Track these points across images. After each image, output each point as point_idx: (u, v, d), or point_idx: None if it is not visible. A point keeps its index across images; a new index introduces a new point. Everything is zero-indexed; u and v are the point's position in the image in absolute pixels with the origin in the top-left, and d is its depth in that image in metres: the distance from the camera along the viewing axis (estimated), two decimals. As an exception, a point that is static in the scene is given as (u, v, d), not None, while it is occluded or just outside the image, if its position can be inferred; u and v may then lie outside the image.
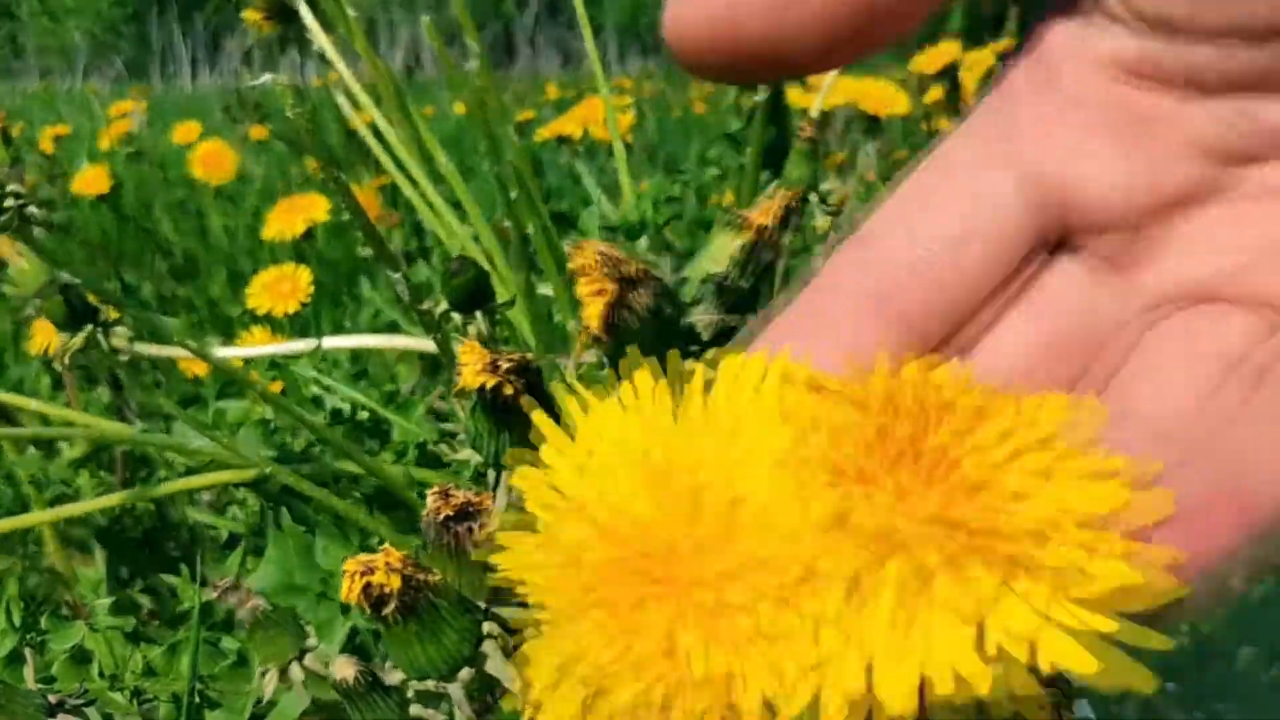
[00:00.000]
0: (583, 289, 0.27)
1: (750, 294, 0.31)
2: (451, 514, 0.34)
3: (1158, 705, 0.61)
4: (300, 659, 0.41)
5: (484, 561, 0.35)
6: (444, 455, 0.34)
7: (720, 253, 0.31)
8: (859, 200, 1.05)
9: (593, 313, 0.27)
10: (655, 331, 0.28)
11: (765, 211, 0.31)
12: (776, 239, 0.31)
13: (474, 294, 0.51)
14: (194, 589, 0.69)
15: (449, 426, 0.35)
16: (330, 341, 0.89)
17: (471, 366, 0.30)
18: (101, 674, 0.65)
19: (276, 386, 0.89)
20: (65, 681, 0.64)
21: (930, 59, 1.17)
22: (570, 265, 0.28)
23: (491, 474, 0.33)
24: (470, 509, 0.34)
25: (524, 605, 0.35)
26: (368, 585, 0.31)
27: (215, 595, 0.40)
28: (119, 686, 0.64)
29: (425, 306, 0.51)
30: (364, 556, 0.31)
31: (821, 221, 1.06)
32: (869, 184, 1.06)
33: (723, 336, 0.31)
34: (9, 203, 0.51)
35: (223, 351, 0.88)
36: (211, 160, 1.63)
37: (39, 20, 21.10)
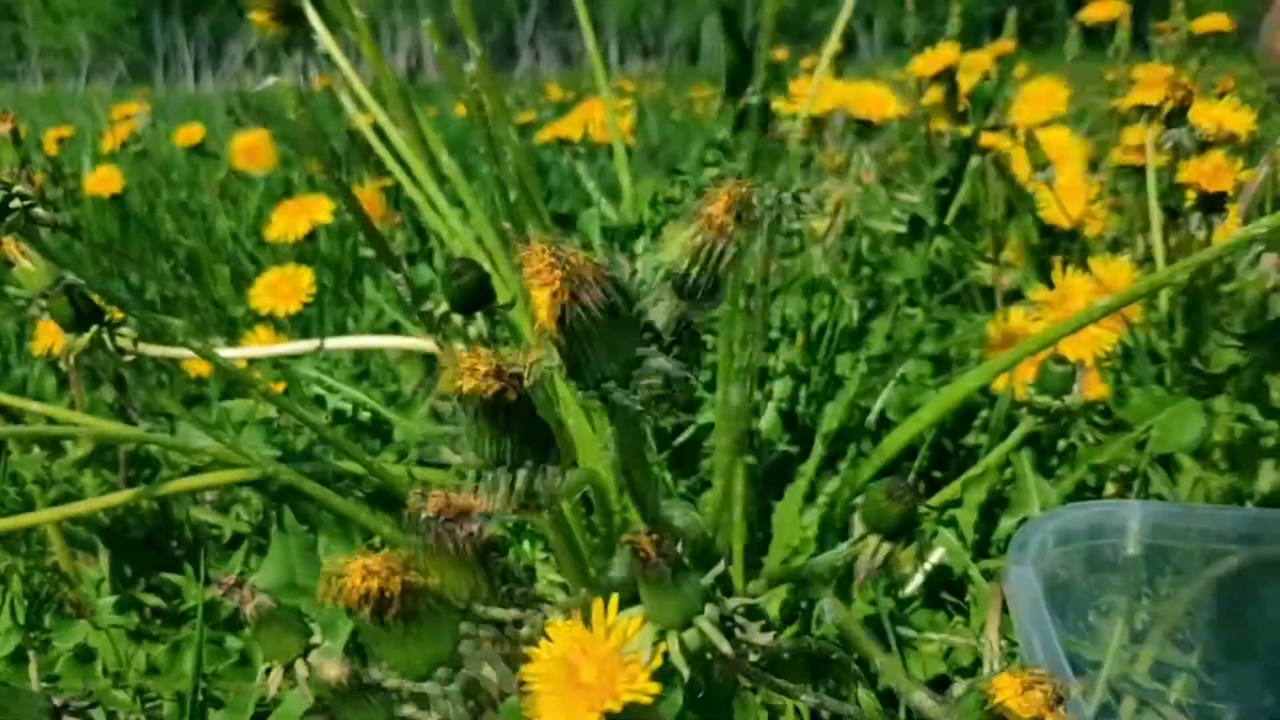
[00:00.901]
0: (532, 286, 0.27)
1: (710, 287, 0.31)
2: (445, 516, 0.34)
3: (1157, 706, 0.61)
4: (305, 656, 0.41)
5: (474, 561, 0.35)
6: (448, 460, 0.34)
7: (672, 244, 0.31)
8: (857, 201, 1.06)
9: (542, 310, 0.27)
10: (609, 327, 0.28)
11: (713, 201, 0.30)
12: (730, 230, 0.30)
13: (475, 295, 0.52)
14: (197, 588, 0.70)
15: (450, 429, 0.34)
16: (333, 342, 0.89)
17: (475, 371, 0.30)
18: (105, 672, 0.66)
19: (279, 387, 0.90)
20: (69, 680, 0.64)
21: (928, 61, 1.18)
22: (517, 260, 0.28)
23: (489, 475, 0.33)
24: (463, 511, 0.34)
25: (519, 606, 0.36)
26: (367, 590, 0.31)
27: (219, 593, 0.40)
28: (123, 685, 0.64)
29: (426, 307, 0.52)
30: (361, 560, 0.31)
31: (819, 224, 1.06)
32: (866, 186, 1.06)
33: (685, 328, 0.31)
34: (15, 204, 0.52)
35: (227, 352, 0.88)
36: (252, 151, 1.65)
37: (42, 22, 21.10)
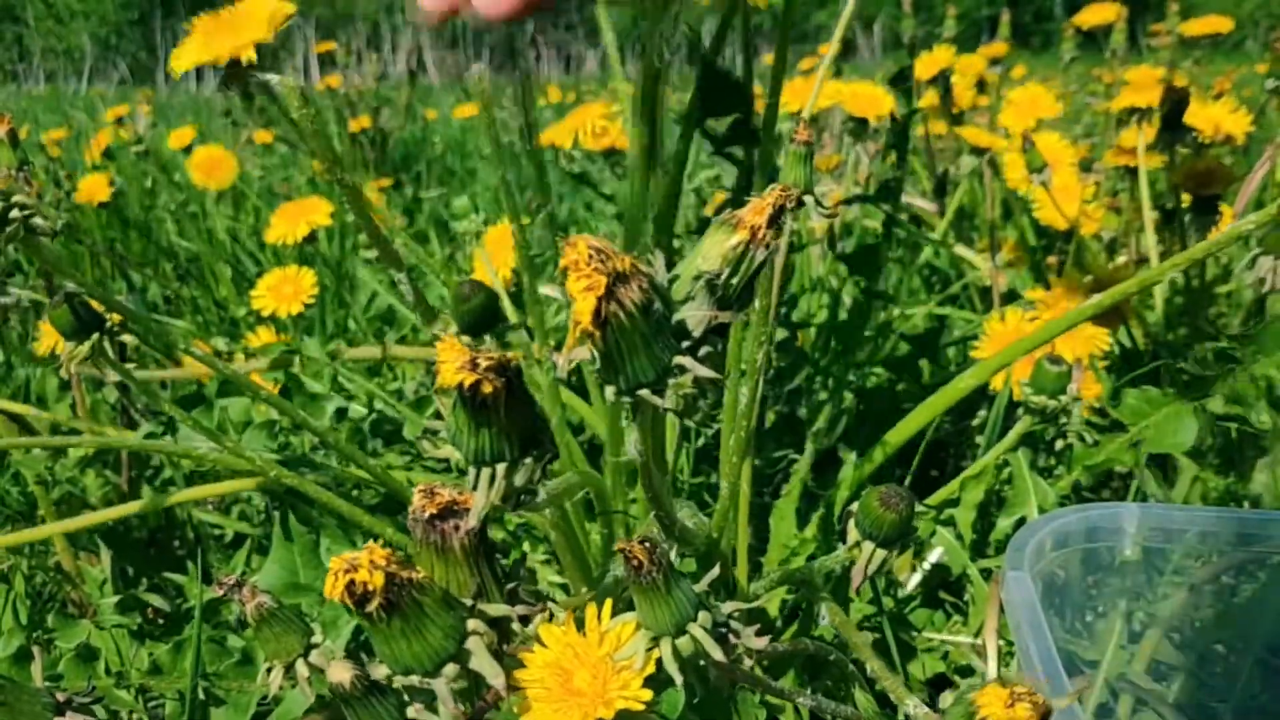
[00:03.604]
0: (573, 284, 0.27)
1: (742, 291, 0.31)
2: (436, 512, 0.34)
3: (1155, 706, 0.61)
4: (306, 656, 0.41)
5: (469, 558, 0.35)
6: (424, 451, 0.34)
7: (712, 251, 0.31)
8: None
9: (582, 307, 0.27)
10: (645, 327, 0.29)
11: (757, 210, 0.31)
12: (768, 238, 0.31)
13: (484, 317, 0.52)
14: (199, 587, 0.70)
15: (432, 423, 0.35)
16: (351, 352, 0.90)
17: (451, 364, 0.30)
18: (108, 671, 0.66)
19: (275, 388, 0.90)
20: (72, 679, 0.64)
21: (924, 64, 1.18)
22: (561, 261, 0.28)
23: (471, 471, 0.33)
24: (455, 507, 0.34)
25: (510, 602, 0.36)
26: (351, 582, 0.31)
27: (220, 592, 0.40)
28: (125, 684, 0.64)
29: (436, 329, 0.52)
30: (349, 554, 0.31)
31: (818, 223, 1.06)
32: (863, 185, 1.06)
33: (713, 333, 0.31)
34: (14, 214, 0.52)
35: (245, 367, 0.88)
36: (211, 165, 1.63)
37: (44, 23, 21.12)
